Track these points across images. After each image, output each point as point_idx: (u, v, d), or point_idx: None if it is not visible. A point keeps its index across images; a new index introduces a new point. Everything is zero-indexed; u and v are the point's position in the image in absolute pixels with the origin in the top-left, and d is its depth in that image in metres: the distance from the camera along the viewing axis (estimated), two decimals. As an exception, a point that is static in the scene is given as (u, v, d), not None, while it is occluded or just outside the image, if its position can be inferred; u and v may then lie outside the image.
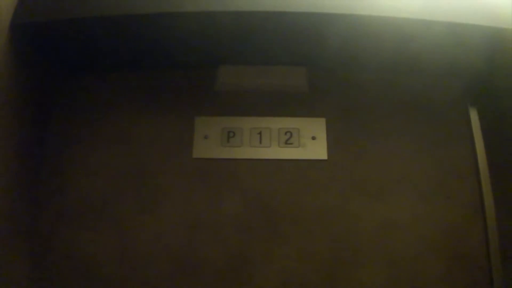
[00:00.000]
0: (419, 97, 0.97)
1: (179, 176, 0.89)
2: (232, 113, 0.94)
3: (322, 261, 0.85)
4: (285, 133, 0.92)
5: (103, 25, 0.80)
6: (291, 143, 0.91)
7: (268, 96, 0.95)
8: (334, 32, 0.82)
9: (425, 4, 0.78)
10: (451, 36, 0.82)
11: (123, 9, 0.76)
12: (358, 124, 0.94)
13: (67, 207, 0.88)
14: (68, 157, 0.91)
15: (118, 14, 0.76)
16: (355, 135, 0.93)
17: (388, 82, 0.97)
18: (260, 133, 0.92)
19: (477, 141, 0.93)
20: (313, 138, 0.92)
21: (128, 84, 0.96)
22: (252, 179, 0.89)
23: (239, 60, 0.93)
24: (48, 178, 0.89)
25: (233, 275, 0.84)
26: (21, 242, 0.82)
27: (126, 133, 0.92)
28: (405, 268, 0.85)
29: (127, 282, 0.84)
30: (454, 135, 0.94)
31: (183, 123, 0.93)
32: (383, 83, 0.97)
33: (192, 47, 0.88)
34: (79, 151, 0.91)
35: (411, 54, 0.89)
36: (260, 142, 0.91)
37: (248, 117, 0.93)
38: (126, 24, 0.80)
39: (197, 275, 0.84)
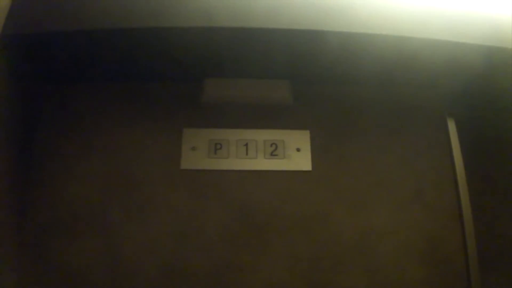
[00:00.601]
0: (400, 109, 1.00)
1: (167, 186, 0.90)
2: (219, 125, 0.95)
3: (305, 269, 0.87)
4: (271, 145, 0.94)
5: (92, 38, 0.81)
6: (276, 155, 0.93)
7: (254, 108, 0.97)
8: (318, 48, 0.84)
9: (412, 20, 0.81)
10: (435, 52, 0.86)
11: (111, 23, 0.77)
12: (341, 136, 0.96)
13: (54, 217, 0.87)
14: (55, 166, 0.91)
15: (106, 28, 0.78)
16: (338, 147, 0.95)
17: (370, 95, 1.00)
18: (246, 145, 0.93)
19: (455, 151, 0.97)
20: (298, 149, 0.94)
21: (116, 95, 0.97)
22: (239, 190, 0.91)
23: (225, 74, 0.95)
24: (34, 188, 0.89)
25: (219, 283, 0.85)
26: (6, 253, 0.81)
27: (114, 143, 0.93)
28: (385, 275, 0.87)
29: None
30: (433, 146, 0.97)
31: (171, 135, 0.94)
32: (364, 97, 1.00)
33: (179, 60, 0.90)
34: (67, 161, 0.91)
35: (395, 69, 0.92)
36: (247, 154, 0.93)
37: (235, 129, 0.95)
38: (114, 37, 0.81)
39: (185, 283, 0.85)
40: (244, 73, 0.95)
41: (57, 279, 0.84)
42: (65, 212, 0.88)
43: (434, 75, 0.96)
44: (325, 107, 0.99)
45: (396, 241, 0.90)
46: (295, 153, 0.94)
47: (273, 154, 0.93)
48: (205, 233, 0.88)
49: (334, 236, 0.89)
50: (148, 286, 0.85)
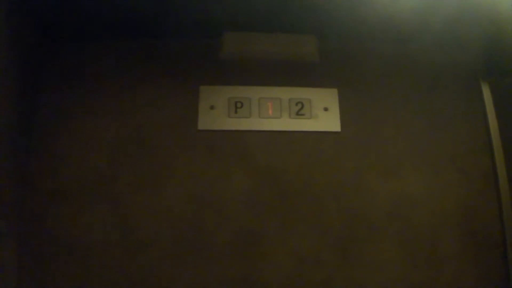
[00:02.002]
0: (432, 71, 0.94)
1: (183, 149, 0.84)
2: (239, 82, 0.89)
3: (335, 237, 0.82)
4: (296, 104, 0.88)
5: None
6: (303, 114, 0.87)
7: (277, 65, 0.91)
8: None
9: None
10: (464, 9, 0.81)
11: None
12: (371, 96, 0.91)
13: (59, 186, 0.81)
14: (60, 130, 0.84)
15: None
16: (368, 108, 0.90)
17: (402, 54, 0.95)
18: (269, 104, 0.87)
19: (490, 116, 0.92)
20: (325, 109, 0.88)
21: (129, 52, 0.90)
22: (262, 152, 0.85)
23: (245, 27, 0.88)
24: (38, 154, 0.83)
25: (244, 254, 0.80)
26: (8, 224, 0.75)
27: (125, 103, 0.87)
28: (419, 243, 0.83)
29: (127, 266, 0.77)
30: (467, 110, 0.92)
31: (187, 93, 0.88)
32: (396, 56, 0.94)
33: (196, 13, 0.83)
34: (73, 124, 0.85)
35: (425, 27, 0.87)
36: (270, 113, 0.87)
37: (257, 86, 0.89)
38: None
39: (205, 256, 0.79)
40: (266, 27, 0.88)
41: (62, 252, 0.78)
42: (71, 181, 0.82)
43: (468, 36, 0.90)
44: (353, 65, 0.93)
45: (431, 210, 0.85)
46: (323, 113, 0.88)
47: (299, 114, 0.87)
48: (226, 200, 0.82)
49: (366, 202, 0.84)
50: (163, 260, 0.78)
